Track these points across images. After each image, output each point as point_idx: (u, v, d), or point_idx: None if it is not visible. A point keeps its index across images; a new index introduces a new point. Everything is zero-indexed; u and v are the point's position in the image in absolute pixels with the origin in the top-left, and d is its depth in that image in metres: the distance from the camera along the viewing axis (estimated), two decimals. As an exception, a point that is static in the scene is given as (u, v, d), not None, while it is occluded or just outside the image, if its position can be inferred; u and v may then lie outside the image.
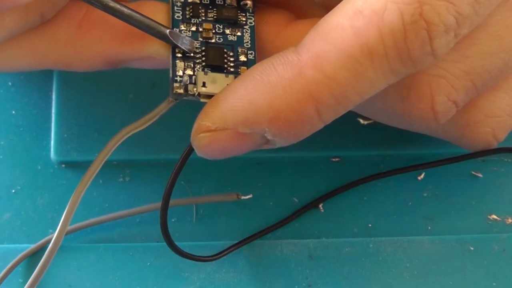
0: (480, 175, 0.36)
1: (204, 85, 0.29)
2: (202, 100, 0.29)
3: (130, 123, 0.36)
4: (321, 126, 0.28)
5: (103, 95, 0.36)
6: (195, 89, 0.29)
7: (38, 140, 0.36)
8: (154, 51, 0.30)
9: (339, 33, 0.27)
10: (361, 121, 0.36)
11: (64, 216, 0.30)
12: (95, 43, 0.30)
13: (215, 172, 0.35)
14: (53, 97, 0.36)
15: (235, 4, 0.31)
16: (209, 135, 0.28)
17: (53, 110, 0.36)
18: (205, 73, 0.29)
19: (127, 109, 0.36)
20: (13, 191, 0.35)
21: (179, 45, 0.29)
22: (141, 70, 0.36)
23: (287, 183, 0.35)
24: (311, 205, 0.35)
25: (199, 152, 0.29)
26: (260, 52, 0.30)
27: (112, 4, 0.29)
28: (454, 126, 0.32)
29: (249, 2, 0.31)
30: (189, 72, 0.29)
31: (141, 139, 0.35)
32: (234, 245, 0.33)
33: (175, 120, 0.34)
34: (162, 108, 0.30)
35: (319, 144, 0.35)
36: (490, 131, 0.32)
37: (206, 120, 0.28)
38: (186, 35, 0.30)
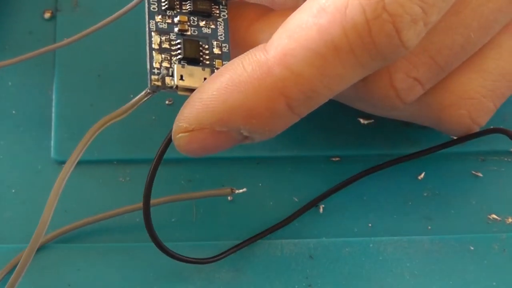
0: (480, 175, 0.36)
1: (181, 78, 0.30)
2: (179, 93, 0.30)
3: (130, 123, 0.36)
4: (297, 119, 0.29)
5: (103, 95, 0.36)
6: (172, 82, 0.30)
7: (38, 140, 0.36)
8: None
9: (304, 31, 0.28)
10: (361, 121, 0.36)
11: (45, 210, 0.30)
12: None
13: (215, 172, 0.35)
14: (53, 97, 0.36)
15: None
16: (187, 134, 0.29)
17: (53, 110, 0.36)
18: (183, 66, 0.30)
19: (127, 109, 0.36)
20: (13, 191, 0.35)
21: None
22: (141, 70, 0.37)
23: (287, 182, 0.35)
24: (311, 205, 0.35)
25: (181, 150, 0.30)
26: (232, 46, 0.31)
27: None
28: (429, 109, 0.32)
29: None
30: (165, 64, 0.30)
31: (141, 139, 0.35)
32: (234, 247, 0.33)
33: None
34: (140, 98, 0.30)
35: (319, 144, 0.35)
36: (466, 113, 0.32)
37: (183, 121, 0.29)
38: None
